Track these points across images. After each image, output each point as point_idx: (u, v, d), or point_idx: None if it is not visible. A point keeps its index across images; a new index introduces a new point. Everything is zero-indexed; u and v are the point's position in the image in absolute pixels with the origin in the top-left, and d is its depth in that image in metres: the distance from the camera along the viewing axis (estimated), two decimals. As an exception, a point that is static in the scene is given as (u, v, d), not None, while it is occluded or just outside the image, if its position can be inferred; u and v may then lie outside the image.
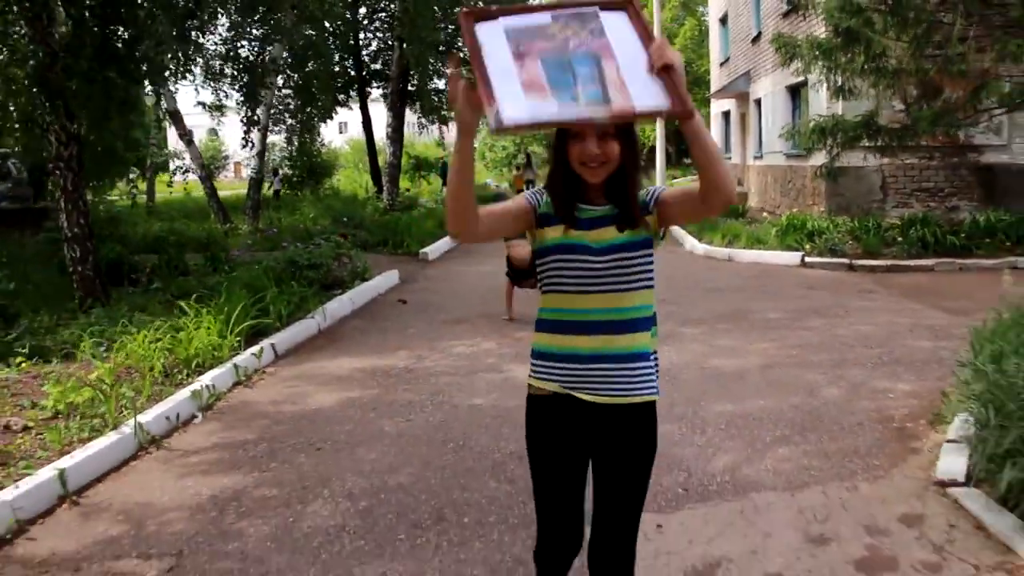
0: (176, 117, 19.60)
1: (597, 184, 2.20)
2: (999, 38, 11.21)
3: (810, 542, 3.53)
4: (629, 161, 2.18)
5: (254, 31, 17.13)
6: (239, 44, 17.59)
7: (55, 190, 9.27)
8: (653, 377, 2.27)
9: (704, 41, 40.23)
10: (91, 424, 5.12)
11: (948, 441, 4.42)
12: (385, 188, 22.37)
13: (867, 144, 12.85)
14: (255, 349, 7.00)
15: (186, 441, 5.24)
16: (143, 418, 5.20)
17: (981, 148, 15.58)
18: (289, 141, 24.71)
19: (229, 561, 3.59)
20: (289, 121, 22.75)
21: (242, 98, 17.81)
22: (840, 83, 12.62)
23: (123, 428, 5.06)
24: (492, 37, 2.05)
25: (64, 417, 5.27)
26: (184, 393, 5.77)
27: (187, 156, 21.93)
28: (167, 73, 11.64)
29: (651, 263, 2.24)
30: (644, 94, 1.96)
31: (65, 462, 4.49)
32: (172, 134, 24.18)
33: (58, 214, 9.36)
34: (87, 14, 8.76)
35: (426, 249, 14.22)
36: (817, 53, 12.31)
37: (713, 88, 29.16)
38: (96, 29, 8.86)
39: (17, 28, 8.54)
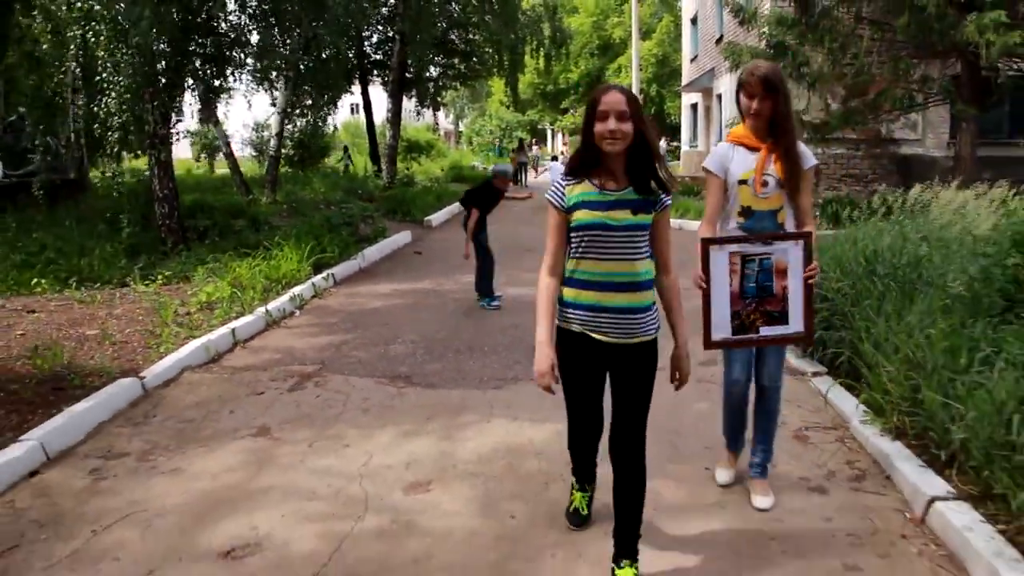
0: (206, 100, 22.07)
1: (618, 158, 2.83)
2: (895, 55, 14.05)
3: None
4: (642, 140, 2.81)
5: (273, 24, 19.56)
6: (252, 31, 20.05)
7: (152, 165, 11.86)
8: (654, 321, 2.96)
9: (679, 37, 42.88)
10: (234, 310, 7.84)
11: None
12: (384, 167, 24.92)
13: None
14: (323, 275, 9.76)
15: (296, 322, 7.99)
16: (266, 308, 7.94)
17: (900, 141, 18.52)
18: (289, 120, 27.04)
19: (352, 363, 6.36)
20: (305, 103, 25.13)
21: (255, 84, 20.21)
22: (773, 85, 15.41)
23: (256, 312, 7.79)
24: (718, 259, 3.44)
25: (210, 308, 7.96)
26: (284, 297, 8.50)
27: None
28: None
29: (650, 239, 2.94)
30: (794, 319, 3.51)
31: (231, 326, 7.22)
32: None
33: (151, 180, 11.99)
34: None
35: (429, 217, 17.04)
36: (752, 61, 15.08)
37: (684, 82, 31.90)
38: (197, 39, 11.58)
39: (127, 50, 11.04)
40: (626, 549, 3.05)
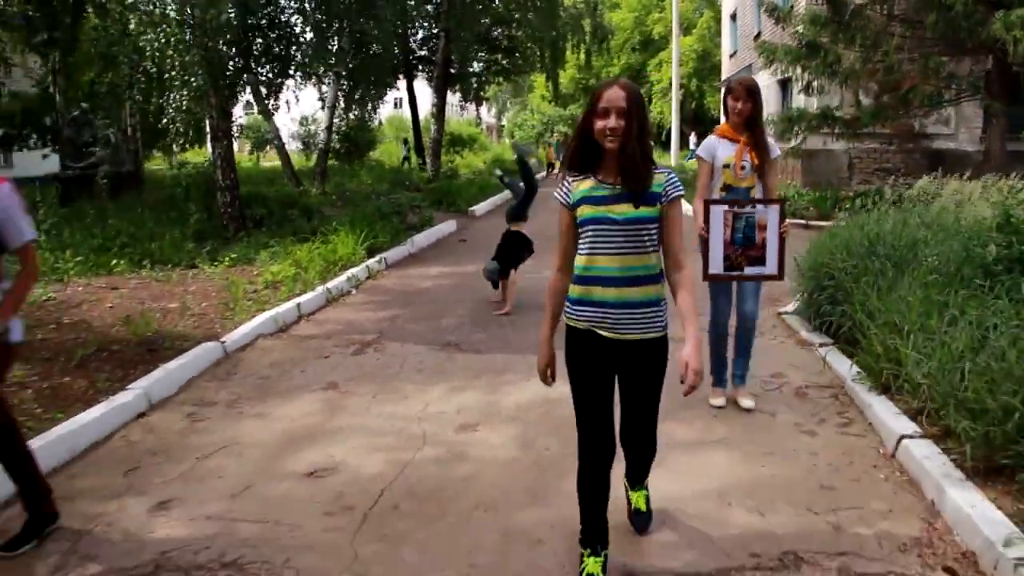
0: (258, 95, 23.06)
1: (613, 153, 2.79)
2: (925, 53, 14.46)
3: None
4: (640, 138, 2.77)
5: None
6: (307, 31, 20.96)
7: (215, 158, 12.73)
8: (662, 318, 2.90)
9: (720, 32, 43.15)
10: (297, 288, 8.63)
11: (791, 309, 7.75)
12: (429, 160, 25.73)
13: (826, 131, 16.14)
14: (376, 259, 10.54)
15: (353, 300, 8.77)
16: (326, 286, 8.72)
17: (932, 136, 18.84)
18: (337, 114, 28.01)
19: (407, 333, 7.11)
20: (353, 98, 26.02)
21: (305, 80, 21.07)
22: (807, 82, 15.94)
23: (318, 290, 8.57)
24: (715, 214, 4.61)
25: (275, 287, 8.75)
26: (342, 278, 9.28)
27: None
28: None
29: (657, 234, 2.85)
30: (771, 261, 4.64)
31: (295, 301, 8.00)
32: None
33: (214, 171, 12.85)
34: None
35: (473, 208, 17.82)
36: (789, 58, 15.61)
37: (723, 77, 32.29)
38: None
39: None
40: (638, 477, 3.45)
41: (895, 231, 6.19)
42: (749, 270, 4.72)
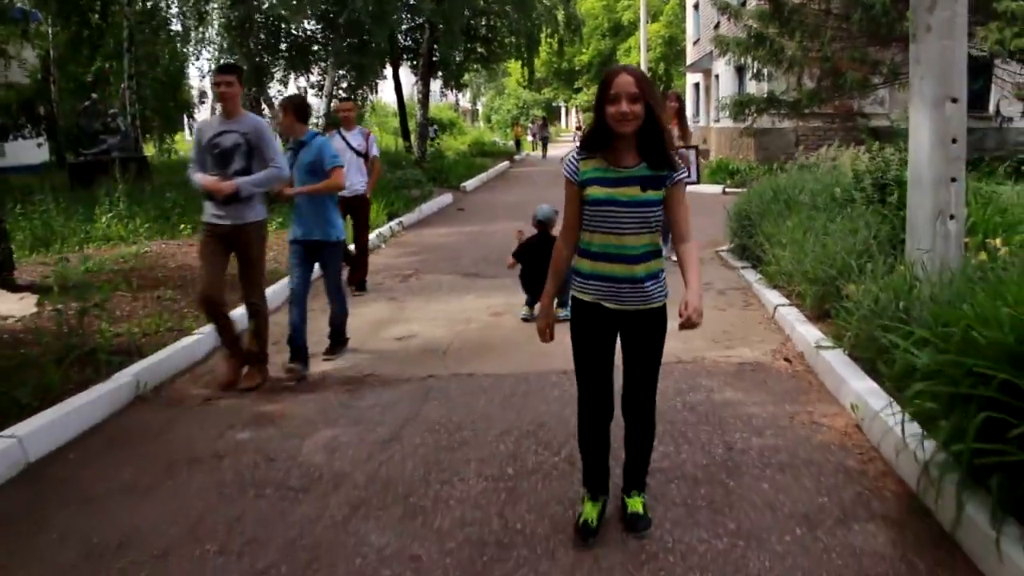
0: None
1: (630, 137, 2.95)
2: (852, 44, 16.90)
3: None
4: (653, 120, 2.91)
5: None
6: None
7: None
8: (662, 289, 3.12)
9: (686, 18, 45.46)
10: (341, 241, 10.89)
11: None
12: (415, 143, 27.88)
13: (773, 112, 18.56)
14: (395, 221, 12.83)
15: (386, 251, 11.08)
16: (364, 240, 11.01)
17: (869, 115, 21.31)
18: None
19: (437, 268, 9.43)
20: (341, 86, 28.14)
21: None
22: (756, 69, 18.35)
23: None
24: None
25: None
26: (372, 235, 11.53)
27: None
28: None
29: (661, 215, 3.03)
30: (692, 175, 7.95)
31: (344, 250, 10.27)
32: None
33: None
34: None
35: (465, 183, 20.17)
36: (740, 49, 17.99)
37: (687, 63, 34.68)
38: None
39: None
40: (636, 482, 3.37)
41: (790, 183, 8.60)
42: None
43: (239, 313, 6.10)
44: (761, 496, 3.58)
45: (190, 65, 33.36)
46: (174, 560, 3.24)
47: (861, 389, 4.37)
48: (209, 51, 19.22)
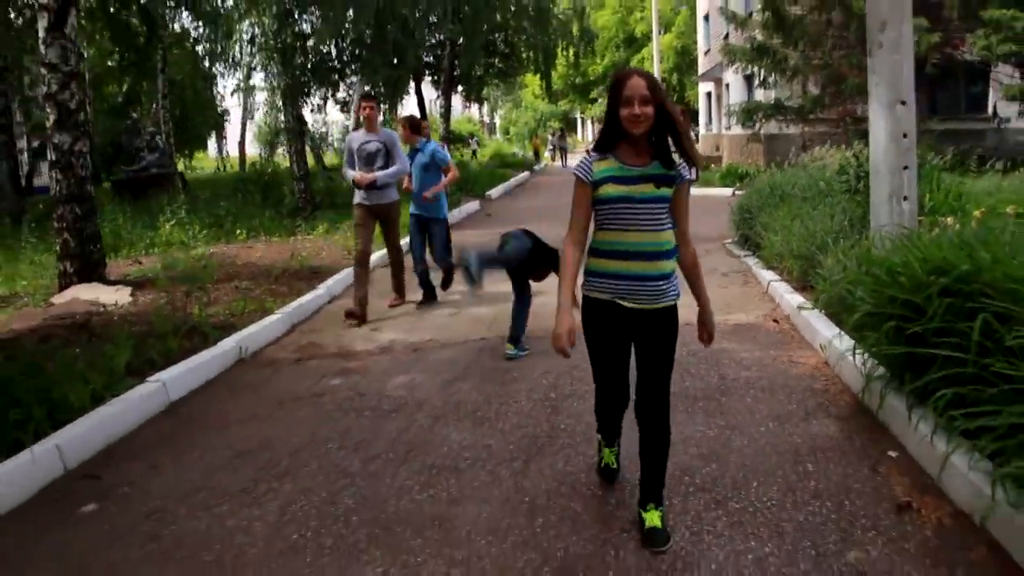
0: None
1: (642, 138, 3.01)
2: (850, 52, 17.98)
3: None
4: (665, 118, 2.97)
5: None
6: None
7: (291, 154, 16.24)
8: (675, 288, 3.16)
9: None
10: (384, 241, 12.09)
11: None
12: (438, 154, 29.10)
13: (780, 119, 19.65)
14: (430, 224, 14.01)
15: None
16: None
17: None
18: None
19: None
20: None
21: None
22: (763, 77, 19.47)
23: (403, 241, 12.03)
24: None
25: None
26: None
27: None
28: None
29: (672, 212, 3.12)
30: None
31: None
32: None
33: (291, 164, 16.34)
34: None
35: (489, 192, 21.37)
36: (746, 59, 19.12)
37: (699, 73, 35.82)
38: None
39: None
40: (653, 496, 3.29)
41: (785, 180, 9.72)
42: None
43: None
44: (745, 406, 4.71)
45: (216, 85, 35.06)
46: (305, 454, 4.40)
47: (828, 335, 5.49)
48: (242, 71, 20.69)
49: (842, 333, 5.39)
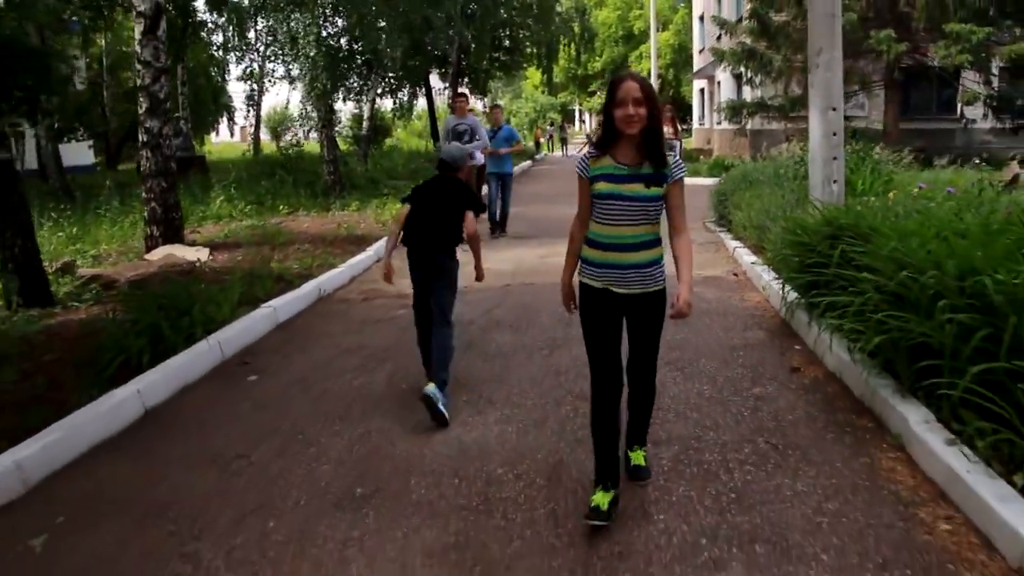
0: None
1: (635, 138, 3.23)
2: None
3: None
4: (655, 122, 3.22)
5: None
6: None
7: (322, 139, 18.07)
8: (662, 273, 3.43)
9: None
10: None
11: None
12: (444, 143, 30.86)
13: (764, 115, 21.53)
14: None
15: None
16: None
17: (851, 117, 24.17)
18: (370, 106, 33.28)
19: (487, 234, 12.49)
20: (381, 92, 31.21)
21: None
22: (749, 77, 21.36)
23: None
24: None
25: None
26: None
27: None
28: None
29: (660, 208, 3.33)
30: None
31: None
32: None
33: (321, 149, 18.15)
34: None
35: (497, 178, 23.18)
36: (734, 60, 20.99)
37: (694, 69, 37.69)
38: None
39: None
40: (638, 438, 3.88)
41: (756, 168, 11.64)
42: None
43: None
44: (704, 324, 6.64)
45: (228, 73, 36.81)
46: (393, 350, 6.32)
47: (769, 279, 7.40)
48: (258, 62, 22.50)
49: (780, 278, 7.29)
